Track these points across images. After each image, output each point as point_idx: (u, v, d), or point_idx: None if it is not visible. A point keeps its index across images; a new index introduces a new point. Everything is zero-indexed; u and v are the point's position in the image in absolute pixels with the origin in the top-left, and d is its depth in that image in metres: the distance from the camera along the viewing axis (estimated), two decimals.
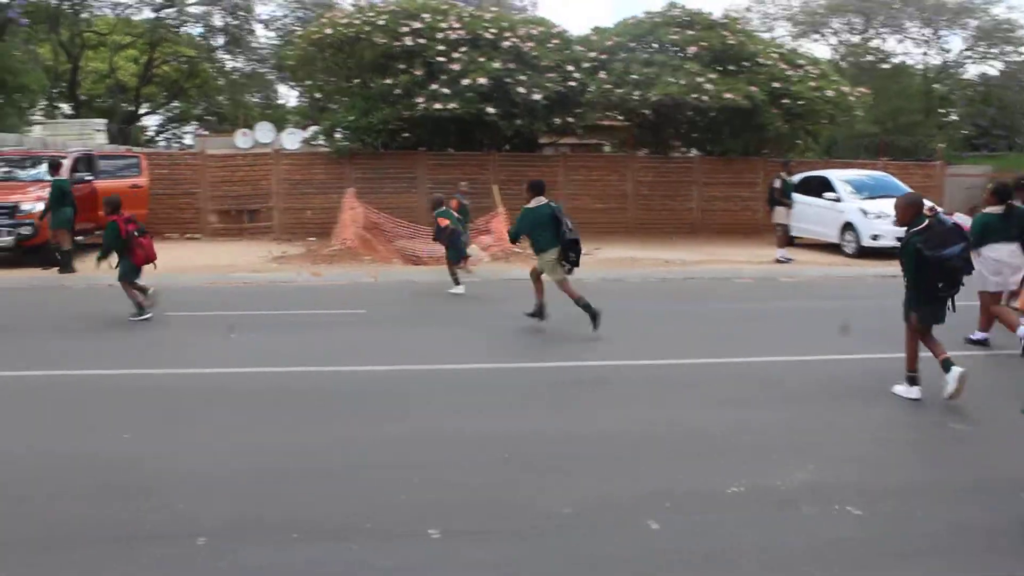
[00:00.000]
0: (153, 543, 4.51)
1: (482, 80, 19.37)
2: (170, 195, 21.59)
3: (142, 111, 45.39)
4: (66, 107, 41.25)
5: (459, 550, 4.47)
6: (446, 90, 19.49)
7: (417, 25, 20.29)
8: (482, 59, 19.81)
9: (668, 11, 22.09)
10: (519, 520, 4.81)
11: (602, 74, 20.54)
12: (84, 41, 38.89)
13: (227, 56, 41.78)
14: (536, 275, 10.58)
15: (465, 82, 19.41)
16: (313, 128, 24.17)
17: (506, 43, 20.32)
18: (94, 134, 30.49)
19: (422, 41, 20.10)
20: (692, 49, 20.69)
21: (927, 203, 7.84)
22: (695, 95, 19.77)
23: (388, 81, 20.09)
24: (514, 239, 11.16)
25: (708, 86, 19.78)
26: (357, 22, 20.77)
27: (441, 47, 19.98)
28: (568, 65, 20.57)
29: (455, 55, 19.86)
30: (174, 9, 37.71)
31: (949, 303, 7.08)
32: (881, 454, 5.98)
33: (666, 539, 4.58)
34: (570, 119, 21.56)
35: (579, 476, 5.49)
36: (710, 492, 5.20)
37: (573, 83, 20.32)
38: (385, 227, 18.27)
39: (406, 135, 21.95)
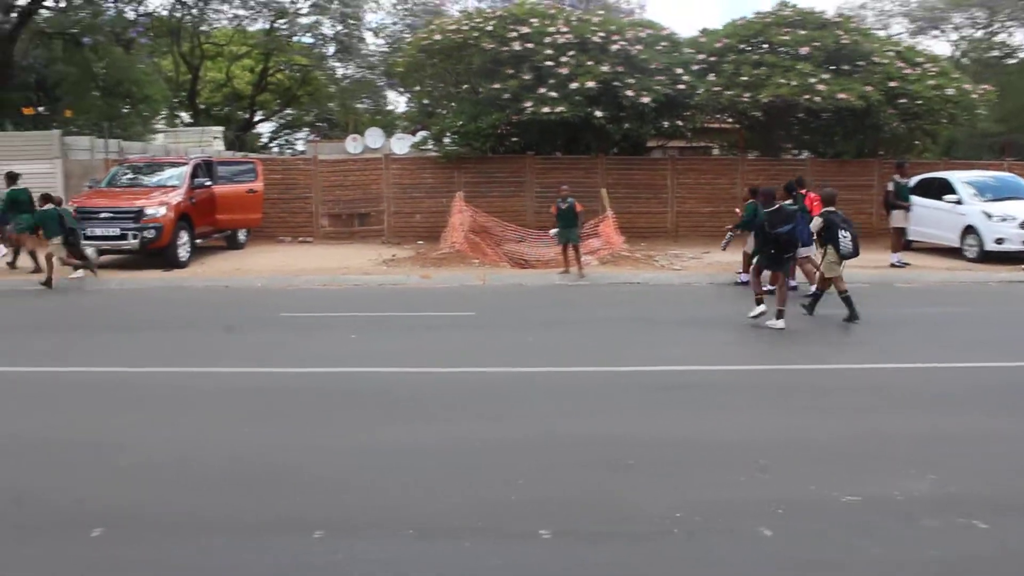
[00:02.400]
0: (274, 534, 4.68)
1: (590, 84, 19.33)
2: (284, 200, 22.18)
3: (257, 118, 46.80)
4: (186, 115, 42.88)
5: (570, 551, 4.50)
6: (554, 94, 19.51)
7: (525, 30, 20.36)
8: (590, 63, 19.77)
9: (779, 11, 21.63)
10: (630, 523, 4.81)
11: (711, 76, 20.28)
12: (203, 52, 40.38)
13: (338, 64, 42.72)
14: (50, 257, 14.76)
15: (573, 86, 19.40)
16: (422, 133, 24.50)
17: (614, 46, 20.23)
18: (212, 141, 31.64)
19: (530, 46, 20.16)
20: (804, 49, 20.22)
21: None
22: (807, 96, 19.33)
23: (496, 86, 20.20)
24: (33, 231, 15.70)
25: (820, 86, 19.32)
26: (465, 28, 20.97)
27: (549, 51, 20.00)
28: (677, 68, 20.37)
29: (563, 59, 19.86)
30: (287, 20, 38.76)
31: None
32: (1009, 466, 5.75)
33: (779, 546, 4.53)
34: (679, 122, 21.33)
35: (690, 481, 5.45)
36: (825, 500, 5.10)
37: (682, 86, 20.11)
38: (493, 230, 18.41)
39: (514, 139, 22.05)
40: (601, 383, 8.13)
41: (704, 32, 22.57)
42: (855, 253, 11.01)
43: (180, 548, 4.54)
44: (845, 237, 10.85)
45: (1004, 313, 12.16)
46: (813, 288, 11.99)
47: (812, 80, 19.39)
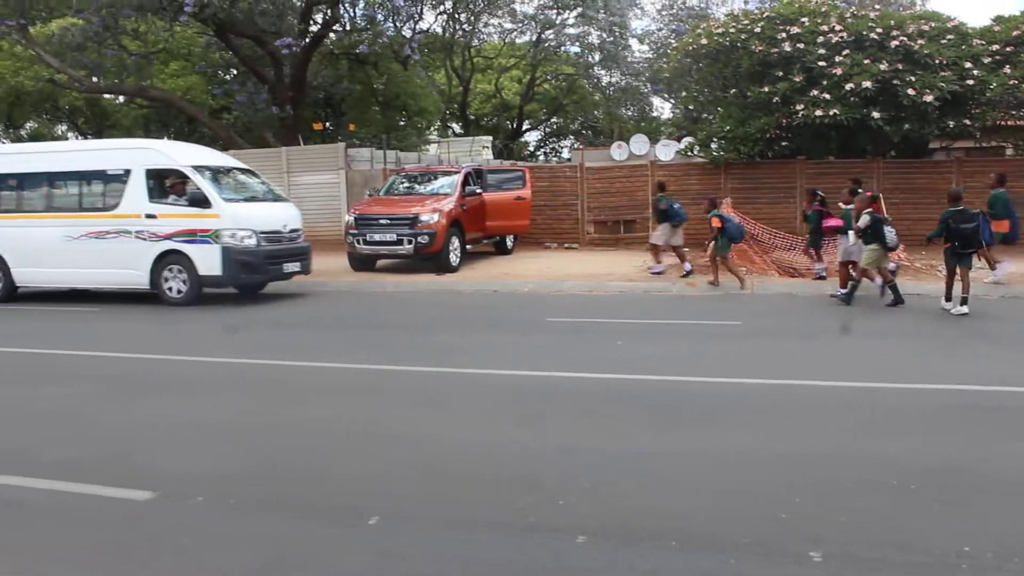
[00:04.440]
0: (534, 535, 4.71)
1: (867, 83, 18.38)
2: (550, 206, 22.71)
3: (524, 127, 48.24)
4: (457, 126, 44.99)
5: None
6: (827, 95, 18.71)
7: (795, 30, 19.69)
8: (867, 61, 18.79)
9: None
10: (909, 552, 4.45)
11: (1006, 69, 18.69)
12: (474, 66, 42.20)
13: (603, 72, 43.22)
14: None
15: (848, 86, 18.53)
16: (687, 139, 24.29)
17: (894, 42, 19.11)
18: (482, 150, 32.98)
19: (801, 46, 19.46)
20: None
21: None
22: None
23: (765, 89, 19.64)
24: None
25: None
26: (732, 31, 20.56)
27: (822, 51, 19.21)
28: (965, 61, 18.93)
29: (837, 59, 19.01)
30: (553, 31, 39.73)
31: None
32: None
33: None
34: (966, 121, 19.83)
35: (980, 513, 4.98)
36: None
37: (971, 81, 18.67)
38: (761, 238, 17.92)
39: (784, 143, 21.38)
40: (876, 399, 7.67)
41: (998, 20, 20.78)
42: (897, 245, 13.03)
43: (447, 542, 4.68)
44: (891, 232, 12.59)
45: None
46: (878, 280, 13.19)
47: None
